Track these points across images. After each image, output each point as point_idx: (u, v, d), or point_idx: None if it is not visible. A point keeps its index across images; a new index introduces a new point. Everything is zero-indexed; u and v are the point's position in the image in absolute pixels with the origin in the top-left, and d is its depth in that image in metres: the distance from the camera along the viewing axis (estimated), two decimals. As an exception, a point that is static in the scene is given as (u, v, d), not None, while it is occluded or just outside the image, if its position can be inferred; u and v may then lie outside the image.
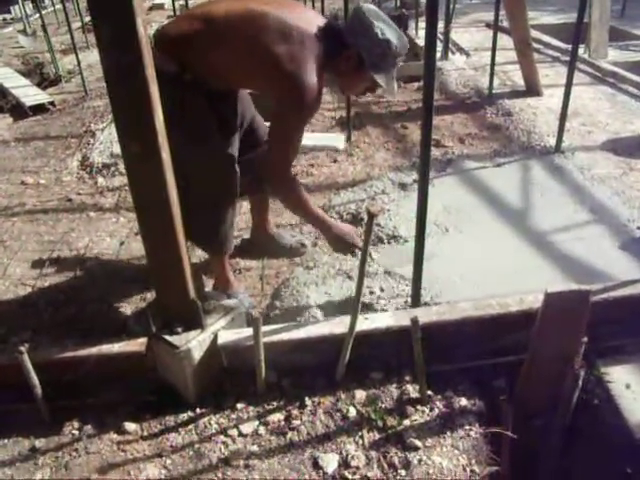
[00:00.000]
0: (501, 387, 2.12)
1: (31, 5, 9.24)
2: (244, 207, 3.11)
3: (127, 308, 2.49)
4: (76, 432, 1.93)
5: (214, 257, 2.55)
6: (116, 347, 2.01)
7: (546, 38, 6.17)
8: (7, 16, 9.86)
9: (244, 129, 2.39)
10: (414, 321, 1.76)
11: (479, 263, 2.65)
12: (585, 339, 1.83)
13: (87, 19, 6.82)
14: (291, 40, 2.01)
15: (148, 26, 1.59)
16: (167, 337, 1.94)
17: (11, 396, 1.97)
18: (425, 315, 2.05)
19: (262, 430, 1.90)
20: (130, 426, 1.93)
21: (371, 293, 2.47)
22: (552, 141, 3.82)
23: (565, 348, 1.86)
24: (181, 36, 2.08)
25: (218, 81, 2.12)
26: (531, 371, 1.96)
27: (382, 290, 2.47)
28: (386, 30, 2.03)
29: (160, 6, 9.71)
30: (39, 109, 5.03)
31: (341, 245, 2.38)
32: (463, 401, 1.97)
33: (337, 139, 4.00)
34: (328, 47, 2.06)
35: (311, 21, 2.10)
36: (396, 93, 2.18)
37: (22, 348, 1.84)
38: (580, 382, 1.86)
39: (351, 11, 2.11)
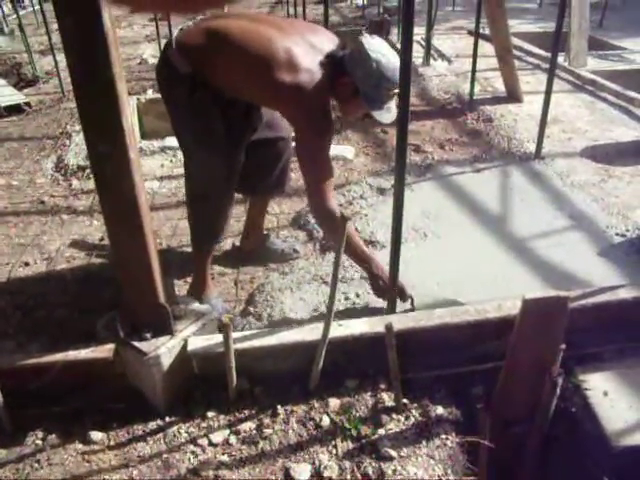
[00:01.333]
0: (479, 395, 2.09)
1: (10, 5, 9.09)
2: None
3: (97, 313, 2.41)
4: (39, 442, 1.86)
5: (199, 255, 2.51)
6: (83, 353, 1.95)
7: (527, 46, 6.21)
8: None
9: (259, 128, 2.41)
10: (388, 327, 1.72)
11: (457, 269, 2.62)
12: (563, 346, 1.81)
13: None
14: (298, 68, 2.06)
15: (118, 28, 1.54)
16: (135, 343, 1.88)
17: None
18: (401, 322, 2.01)
19: (233, 439, 1.85)
20: (96, 435, 1.87)
21: (346, 299, 2.43)
22: (532, 147, 3.82)
23: (543, 355, 1.84)
24: (196, 46, 2.14)
25: (223, 89, 2.16)
26: (509, 378, 1.93)
27: (357, 296, 2.43)
28: (383, 63, 2.05)
29: (141, 8, 9.61)
30: (14, 110, 4.93)
31: (380, 290, 2.31)
32: (440, 409, 1.94)
33: (346, 150, 3.99)
34: (329, 73, 2.11)
35: (321, 47, 2.15)
36: (390, 121, 2.16)
37: (-18, 355, 1.78)
38: (558, 390, 1.83)
39: (356, 41, 2.14)
